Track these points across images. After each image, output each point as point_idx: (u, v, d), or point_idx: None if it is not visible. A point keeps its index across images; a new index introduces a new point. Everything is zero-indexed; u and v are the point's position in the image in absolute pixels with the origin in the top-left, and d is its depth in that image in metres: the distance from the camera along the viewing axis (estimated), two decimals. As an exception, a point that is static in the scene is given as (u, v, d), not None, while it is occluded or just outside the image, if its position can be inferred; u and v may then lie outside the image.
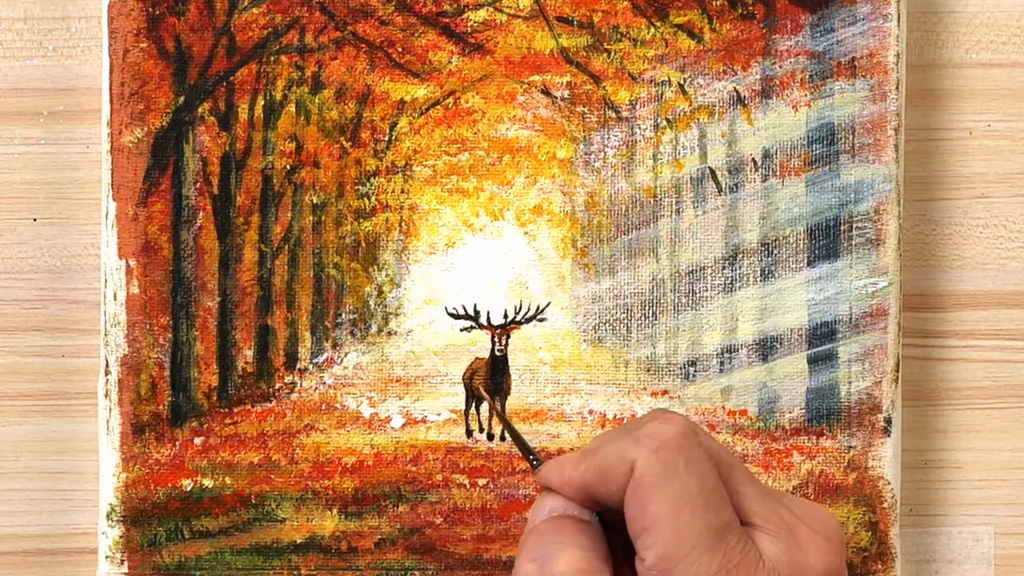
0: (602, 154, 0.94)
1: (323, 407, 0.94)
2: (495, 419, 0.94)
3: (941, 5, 0.97)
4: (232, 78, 0.93)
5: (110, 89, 0.92)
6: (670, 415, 0.68)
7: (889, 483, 0.92)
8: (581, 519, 0.70)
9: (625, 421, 0.93)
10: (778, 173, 0.93)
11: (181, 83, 0.92)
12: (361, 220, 0.94)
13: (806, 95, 0.93)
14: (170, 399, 0.92)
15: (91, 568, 0.96)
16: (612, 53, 0.93)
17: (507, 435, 0.94)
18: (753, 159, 0.93)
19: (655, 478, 0.66)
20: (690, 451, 0.67)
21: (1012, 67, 0.97)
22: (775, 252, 0.93)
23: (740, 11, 0.93)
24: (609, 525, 0.70)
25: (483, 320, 0.94)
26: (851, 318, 0.93)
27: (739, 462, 0.70)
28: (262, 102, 0.93)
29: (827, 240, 0.93)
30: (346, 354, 0.94)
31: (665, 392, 0.94)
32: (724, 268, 0.94)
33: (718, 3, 0.93)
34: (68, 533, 0.96)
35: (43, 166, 0.96)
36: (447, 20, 0.93)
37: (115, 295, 0.92)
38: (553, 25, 0.93)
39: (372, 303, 0.94)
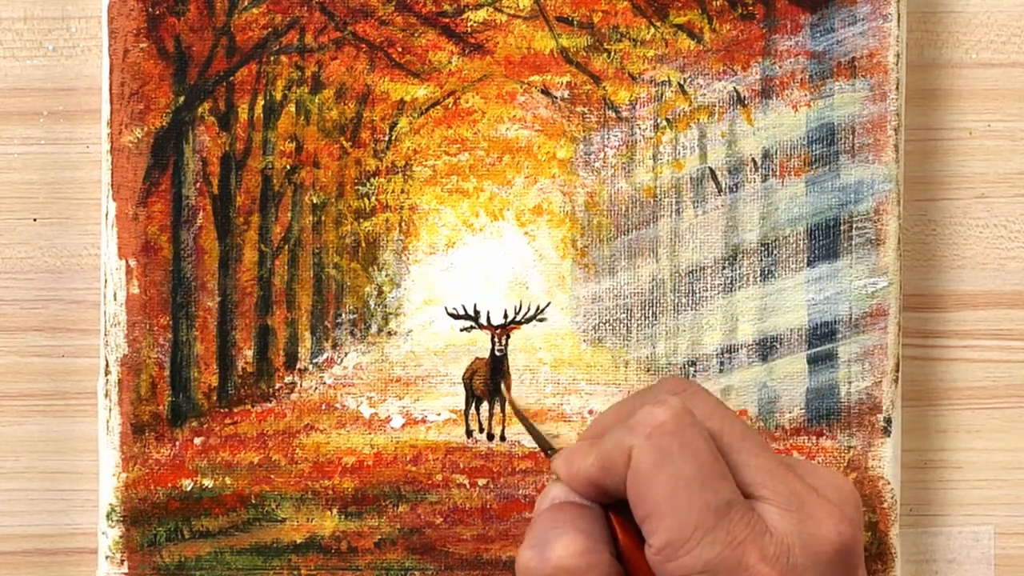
0: (602, 154, 0.94)
1: (323, 407, 0.94)
2: (495, 419, 0.94)
3: (941, 5, 0.97)
4: (232, 78, 0.93)
5: (110, 89, 0.92)
6: (662, 399, 0.68)
7: (889, 483, 0.92)
8: (583, 504, 0.70)
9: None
10: (778, 173, 0.93)
11: (181, 83, 0.92)
12: (361, 220, 0.94)
13: (806, 95, 0.93)
14: (170, 399, 0.92)
15: (91, 568, 0.96)
16: (612, 53, 0.93)
17: (516, 418, 0.93)
18: (753, 159, 0.93)
19: (650, 464, 0.67)
20: (684, 432, 0.67)
21: (1012, 67, 0.97)
22: (775, 252, 0.93)
23: (740, 11, 0.93)
24: (627, 514, 0.70)
25: (483, 320, 0.94)
26: (851, 318, 0.93)
27: (752, 433, 0.69)
28: (262, 102, 0.93)
29: (827, 240, 0.93)
30: (346, 354, 0.94)
31: (665, 392, 0.93)
32: (724, 268, 0.94)
33: (718, 3, 0.93)
34: (68, 533, 0.96)
35: (43, 166, 0.96)
36: (447, 20, 0.93)
37: (115, 295, 0.92)
38: (553, 25, 0.93)
39: (372, 303, 0.94)
